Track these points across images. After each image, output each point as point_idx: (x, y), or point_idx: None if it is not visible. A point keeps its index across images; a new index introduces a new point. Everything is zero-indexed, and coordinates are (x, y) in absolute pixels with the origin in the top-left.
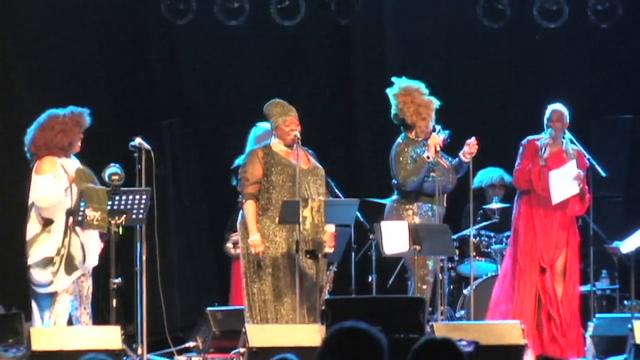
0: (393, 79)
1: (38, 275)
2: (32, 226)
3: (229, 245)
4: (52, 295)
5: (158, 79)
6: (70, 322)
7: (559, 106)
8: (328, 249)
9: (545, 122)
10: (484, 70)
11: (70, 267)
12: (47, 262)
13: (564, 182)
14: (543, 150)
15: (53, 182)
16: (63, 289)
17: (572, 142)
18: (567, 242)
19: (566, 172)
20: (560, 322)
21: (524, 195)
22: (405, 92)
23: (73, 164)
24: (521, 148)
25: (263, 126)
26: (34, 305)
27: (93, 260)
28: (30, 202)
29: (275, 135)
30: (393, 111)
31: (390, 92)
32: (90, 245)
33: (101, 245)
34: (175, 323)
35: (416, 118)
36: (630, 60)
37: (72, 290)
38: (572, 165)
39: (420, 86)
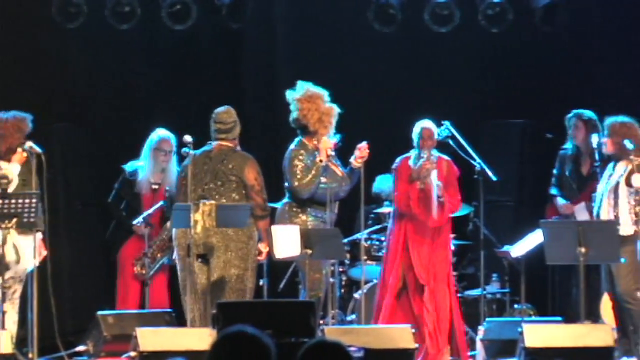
0: (298, 82)
1: None
2: None
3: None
4: None
5: (49, 82)
6: None
7: (428, 123)
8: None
9: (415, 140)
10: (376, 74)
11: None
12: None
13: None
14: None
15: None
16: None
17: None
18: (437, 250)
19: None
20: (437, 331)
21: (398, 214)
22: (311, 98)
23: (13, 168)
24: (394, 172)
25: (162, 133)
26: None
27: (28, 264)
28: None
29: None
30: (294, 115)
31: (292, 95)
32: (26, 249)
33: (44, 252)
34: (66, 327)
35: (319, 126)
36: (520, 64)
37: None
38: (433, 176)
39: (324, 93)
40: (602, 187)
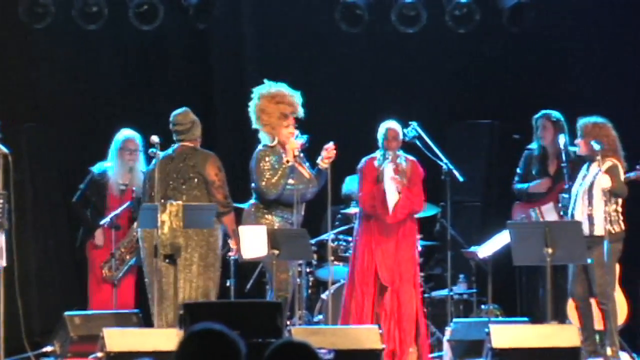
0: (265, 82)
1: None
2: None
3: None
4: None
5: (16, 82)
6: None
7: (393, 124)
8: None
9: (380, 140)
10: (343, 75)
11: None
12: None
13: (389, 189)
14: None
15: None
16: None
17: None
18: (400, 252)
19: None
20: (401, 336)
21: (364, 215)
22: (258, 96)
23: None
24: (360, 173)
25: (126, 133)
26: None
27: None
28: None
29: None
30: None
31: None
32: None
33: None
34: (33, 328)
35: (258, 123)
36: (487, 65)
37: None
38: (387, 170)
39: (281, 94)
40: (577, 187)
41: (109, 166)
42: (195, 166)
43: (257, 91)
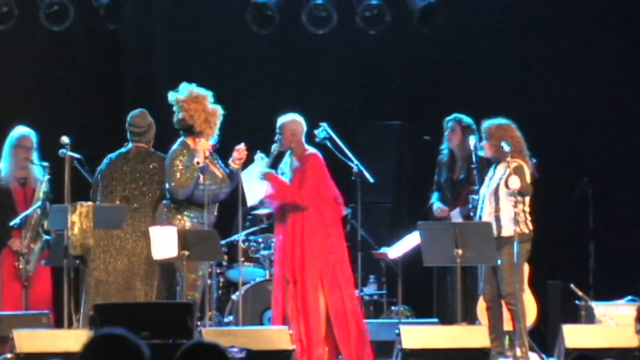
0: (182, 84)
1: None
2: None
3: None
4: None
5: None
6: None
7: (284, 118)
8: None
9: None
10: (254, 76)
11: None
12: None
13: (254, 183)
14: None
15: None
16: None
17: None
18: (303, 246)
19: (253, 172)
20: (307, 333)
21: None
22: (197, 99)
23: None
24: None
25: (22, 130)
26: None
27: None
28: None
29: None
30: (179, 116)
31: (176, 96)
32: None
33: None
34: None
35: (205, 126)
36: (398, 66)
37: None
38: (257, 164)
39: (209, 94)
40: (484, 189)
41: (2, 166)
42: (155, 168)
43: (193, 95)
